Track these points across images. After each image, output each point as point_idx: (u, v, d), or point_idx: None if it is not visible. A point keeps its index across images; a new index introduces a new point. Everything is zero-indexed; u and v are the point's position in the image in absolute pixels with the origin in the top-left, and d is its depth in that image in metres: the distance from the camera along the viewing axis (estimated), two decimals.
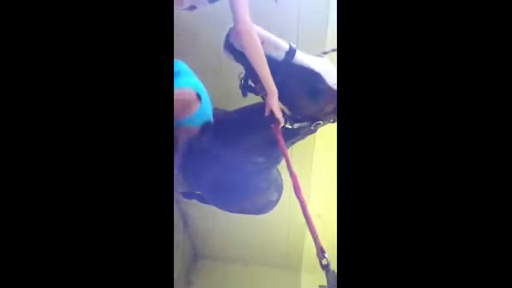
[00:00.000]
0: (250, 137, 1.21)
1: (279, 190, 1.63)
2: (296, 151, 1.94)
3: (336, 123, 1.07)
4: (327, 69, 1.00)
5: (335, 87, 1.00)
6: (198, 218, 2.82)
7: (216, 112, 1.44)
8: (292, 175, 1.16)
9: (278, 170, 1.61)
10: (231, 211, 1.81)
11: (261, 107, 1.09)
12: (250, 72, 1.00)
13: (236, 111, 1.29)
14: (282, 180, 1.65)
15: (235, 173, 1.36)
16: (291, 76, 0.98)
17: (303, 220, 2.57)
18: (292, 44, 0.98)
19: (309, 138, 1.96)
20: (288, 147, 1.37)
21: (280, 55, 0.95)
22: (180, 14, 1.63)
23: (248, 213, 1.79)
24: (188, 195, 2.04)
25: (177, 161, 1.46)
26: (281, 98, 1.02)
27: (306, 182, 2.19)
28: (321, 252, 0.96)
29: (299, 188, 1.16)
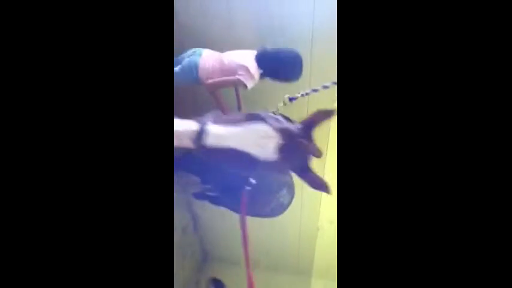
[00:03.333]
0: None
1: (291, 193, 1.61)
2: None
3: None
4: (253, 140, 0.90)
5: (269, 159, 0.90)
6: (208, 219, 2.83)
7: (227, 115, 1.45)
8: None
9: (290, 175, 1.60)
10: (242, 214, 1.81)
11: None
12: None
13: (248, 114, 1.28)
14: (293, 183, 1.63)
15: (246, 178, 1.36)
16: (212, 159, 0.88)
17: (315, 225, 2.55)
18: (203, 125, 0.89)
19: (321, 141, 1.94)
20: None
21: (188, 144, 0.86)
22: (187, 15, 1.67)
23: (259, 216, 1.78)
24: (200, 196, 2.06)
25: (191, 162, 1.47)
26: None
27: (318, 194, 2.15)
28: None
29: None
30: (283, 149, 0.87)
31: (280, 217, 1.75)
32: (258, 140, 0.87)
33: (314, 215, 2.28)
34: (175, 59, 1.66)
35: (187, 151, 0.87)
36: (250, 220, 1.97)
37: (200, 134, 0.84)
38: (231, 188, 1.47)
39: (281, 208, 1.69)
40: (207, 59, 1.56)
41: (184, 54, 1.64)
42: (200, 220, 2.89)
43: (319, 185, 0.96)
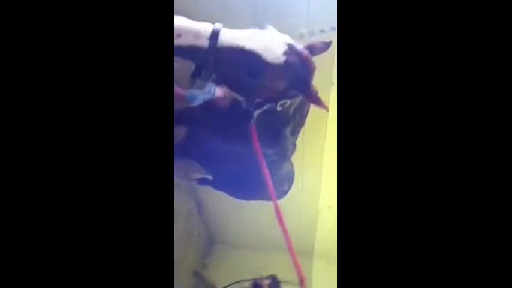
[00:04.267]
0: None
1: (290, 181, 1.66)
2: (307, 142, 1.94)
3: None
4: (263, 44, 0.93)
5: (276, 60, 0.93)
6: (212, 204, 2.89)
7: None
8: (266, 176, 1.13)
9: (291, 163, 1.62)
10: (243, 199, 1.86)
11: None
12: (202, 65, 0.94)
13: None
14: (293, 172, 1.67)
15: (246, 164, 1.38)
16: (224, 61, 0.91)
17: (315, 208, 2.59)
18: (216, 26, 0.92)
19: (320, 129, 1.95)
20: (294, 137, 1.36)
21: (204, 43, 0.89)
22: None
23: (261, 200, 1.83)
24: (202, 182, 2.10)
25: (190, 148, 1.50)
26: (227, 84, 0.99)
27: (317, 173, 2.19)
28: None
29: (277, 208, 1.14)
30: (289, 55, 0.93)
31: (281, 201, 1.79)
32: (267, 43, 0.93)
33: (314, 199, 2.33)
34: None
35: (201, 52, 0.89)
36: (251, 205, 2.03)
37: (215, 33, 0.88)
38: (228, 173, 1.51)
39: (282, 194, 1.73)
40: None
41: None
42: (204, 205, 2.95)
43: (318, 101, 1.04)
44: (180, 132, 1.61)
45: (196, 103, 1.61)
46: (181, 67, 1.78)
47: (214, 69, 0.93)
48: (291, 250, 1.05)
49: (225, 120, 1.31)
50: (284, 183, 1.61)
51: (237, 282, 2.21)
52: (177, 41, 0.86)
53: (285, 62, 0.93)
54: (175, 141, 1.70)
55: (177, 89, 1.73)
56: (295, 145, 1.44)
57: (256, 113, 1.05)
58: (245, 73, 0.94)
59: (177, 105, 1.68)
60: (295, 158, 1.56)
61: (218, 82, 0.98)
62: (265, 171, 1.13)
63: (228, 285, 2.22)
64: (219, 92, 1.61)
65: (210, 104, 1.43)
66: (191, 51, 0.90)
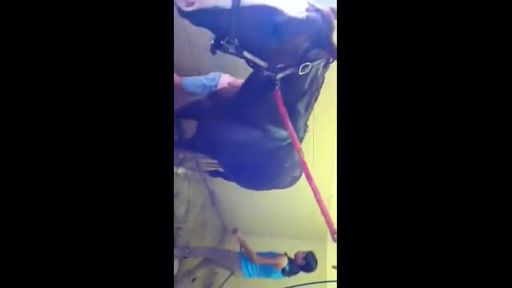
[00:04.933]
0: (263, 108, 1.21)
1: (302, 167, 1.65)
2: (318, 130, 1.93)
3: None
4: (284, 1, 0.93)
5: (300, 15, 0.94)
6: (224, 194, 2.93)
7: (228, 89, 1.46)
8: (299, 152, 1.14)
9: (302, 149, 1.62)
10: (255, 189, 1.87)
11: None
12: (222, 34, 0.95)
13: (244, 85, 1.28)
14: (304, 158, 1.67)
15: (256, 151, 1.38)
16: (247, 21, 0.92)
17: (328, 193, 2.60)
18: None
19: (330, 114, 1.92)
20: (307, 113, 1.35)
21: (226, 3, 0.89)
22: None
23: (274, 188, 1.85)
24: (214, 174, 2.13)
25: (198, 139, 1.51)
26: (249, 49, 0.98)
27: (328, 159, 2.19)
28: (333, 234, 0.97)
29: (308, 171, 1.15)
30: (311, 11, 0.96)
31: (293, 188, 1.80)
32: (289, 0, 0.94)
33: (326, 185, 2.33)
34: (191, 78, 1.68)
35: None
36: (265, 193, 2.05)
37: None
38: (239, 164, 1.52)
39: (294, 180, 1.74)
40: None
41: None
42: (216, 196, 3.00)
43: (335, 53, 1.06)
44: (190, 127, 1.62)
45: (197, 90, 1.60)
46: (183, 58, 1.78)
47: (237, 34, 0.93)
48: (320, 203, 1.06)
49: (232, 110, 1.31)
50: (296, 169, 1.61)
51: (271, 253, 2.30)
52: (200, 3, 0.87)
53: (307, 17, 0.95)
54: (186, 136, 1.72)
55: (177, 79, 1.72)
56: (307, 126, 1.43)
57: (279, 76, 1.05)
58: (268, 31, 0.94)
59: (185, 99, 1.69)
60: (306, 143, 1.56)
61: (240, 50, 0.97)
62: (288, 124, 1.12)
63: (262, 253, 2.29)
64: (223, 81, 1.60)
65: (217, 95, 1.43)
66: (213, 16, 0.90)
